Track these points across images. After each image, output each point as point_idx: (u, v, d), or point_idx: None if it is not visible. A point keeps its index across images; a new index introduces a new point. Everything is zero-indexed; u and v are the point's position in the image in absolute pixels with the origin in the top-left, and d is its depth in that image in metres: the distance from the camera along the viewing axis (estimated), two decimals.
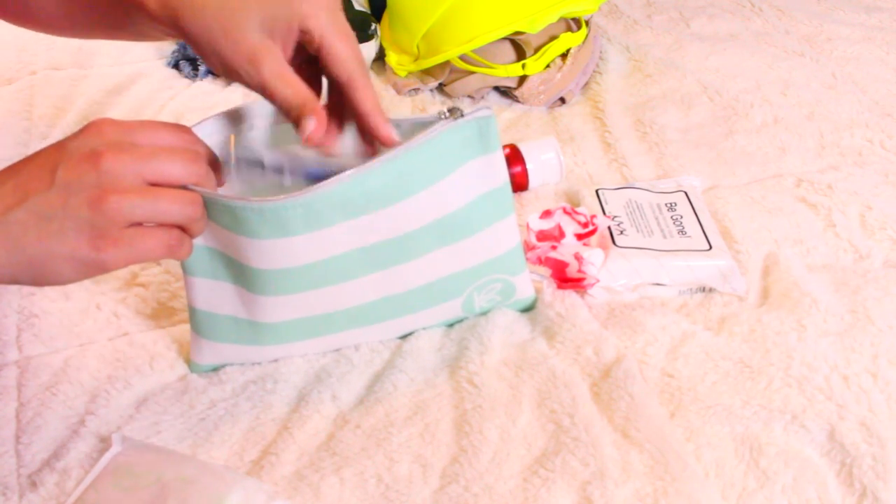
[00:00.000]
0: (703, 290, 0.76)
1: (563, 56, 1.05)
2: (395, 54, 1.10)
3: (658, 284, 0.76)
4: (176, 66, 1.12)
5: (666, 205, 0.83)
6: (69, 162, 0.53)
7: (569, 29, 1.06)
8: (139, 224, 0.54)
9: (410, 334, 0.72)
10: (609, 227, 0.80)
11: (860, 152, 0.95)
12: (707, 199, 0.87)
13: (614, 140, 0.97)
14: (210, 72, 1.11)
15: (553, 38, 1.04)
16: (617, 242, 0.78)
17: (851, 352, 0.69)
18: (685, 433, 0.64)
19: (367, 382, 0.69)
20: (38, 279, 0.54)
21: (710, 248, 0.78)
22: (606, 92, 1.06)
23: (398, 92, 1.07)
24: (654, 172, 0.92)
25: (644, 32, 1.19)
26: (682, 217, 0.82)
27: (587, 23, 1.09)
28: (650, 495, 0.59)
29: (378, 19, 1.14)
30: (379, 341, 0.72)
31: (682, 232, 0.80)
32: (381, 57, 1.12)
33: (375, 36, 1.11)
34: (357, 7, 1.10)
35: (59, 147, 0.55)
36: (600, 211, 0.83)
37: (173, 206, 0.55)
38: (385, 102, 1.06)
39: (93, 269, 0.54)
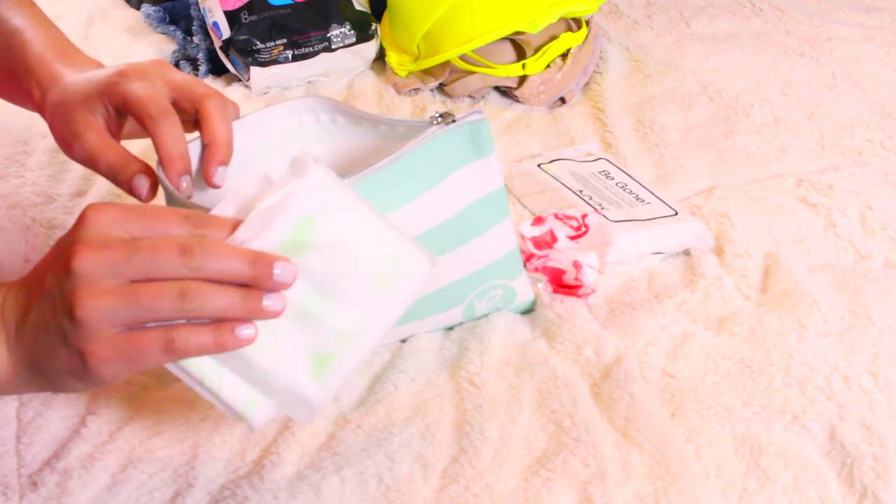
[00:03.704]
0: (681, 253, 0.81)
1: (564, 56, 1.05)
2: (395, 54, 1.10)
3: (658, 253, 0.79)
4: (176, 65, 1.12)
5: (601, 173, 0.86)
6: (54, 263, 0.49)
7: (569, 29, 1.06)
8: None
9: (411, 335, 0.72)
10: (601, 205, 0.83)
11: (860, 152, 0.95)
12: (707, 199, 0.87)
13: (615, 140, 0.97)
14: (210, 71, 1.11)
15: (553, 38, 1.04)
16: (610, 218, 0.81)
17: (852, 352, 0.69)
18: (685, 433, 0.64)
19: (368, 383, 0.69)
20: (60, 390, 0.52)
21: (676, 213, 0.82)
22: (607, 92, 1.06)
23: (398, 92, 1.07)
24: (654, 172, 0.93)
25: (644, 32, 1.19)
26: (626, 185, 0.86)
27: (587, 23, 1.09)
28: (650, 495, 0.59)
29: (378, 19, 1.14)
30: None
31: (640, 200, 0.83)
32: (381, 57, 1.12)
33: (375, 36, 1.11)
34: (357, 7, 1.10)
35: (59, 242, 0.50)
36: (552, 181, 0.86)
37: (160, 303, 0.48)
38: (385, 102, 1.06)
39: (93, 384, 0.50)
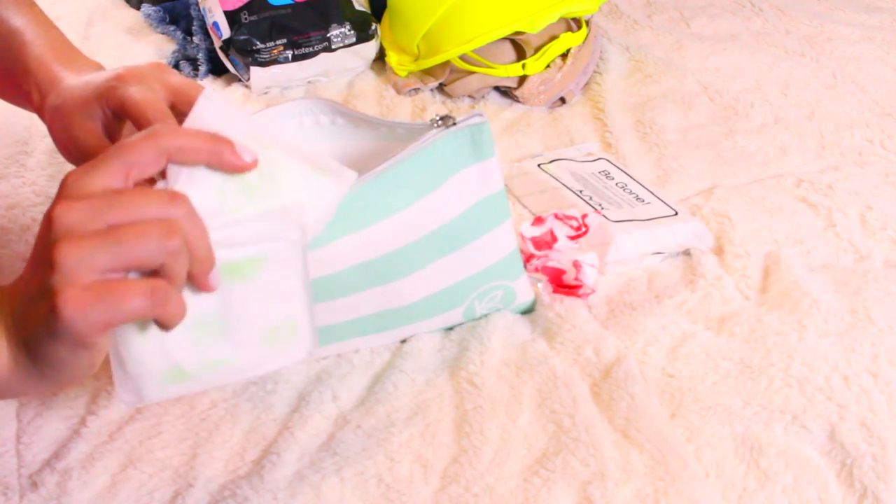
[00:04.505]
0: (681, 253, 0.81)
1: (564, 56, 1.05)
2: (395, 54, 1.10)
3: (658, 253, 0.80)
4: (176, 66, 1.13)
5: (601, 173, 0.87)
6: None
7: (569, 29, 1.06)
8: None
9: (411, 335, 0.72)
10: (601, 205, 0.83)
11: (860, 152, 0.95)
12: (707, 199, 0.87)
13: (615, 140, 0.97)
14: (210, 71, 1.11)
15: (553, 37, 1.04)
16: (610, 218, 0.81)
17: (852, 352, 0.69)
18: (685, 433, 0.64)
19: (368, 383, 0.69)
20: (60, 377, 0.49)
21: (676, 213, 0.82)
22: (607, 92, 1.06)
23: (398, 92, 1.07)
24: (654, 172, 0.93)
25: (644, 32, 1.19)
26: (626, 185, 0.86)
27: (587, 23, 1.09)
28: (650, 496, 0.59)
29: (378, 19, 1.14)
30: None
31: (640, 200, 0.84)
32: (381, 57, 1.12)
33: (375, 36, 1.11)
34: (357, 7, 1.10)
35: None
36: (552, 181, 0.87)
37: (146, 243, 0.45)
38: (385, 102, 1.06)
39: (70, 342, 0.45)
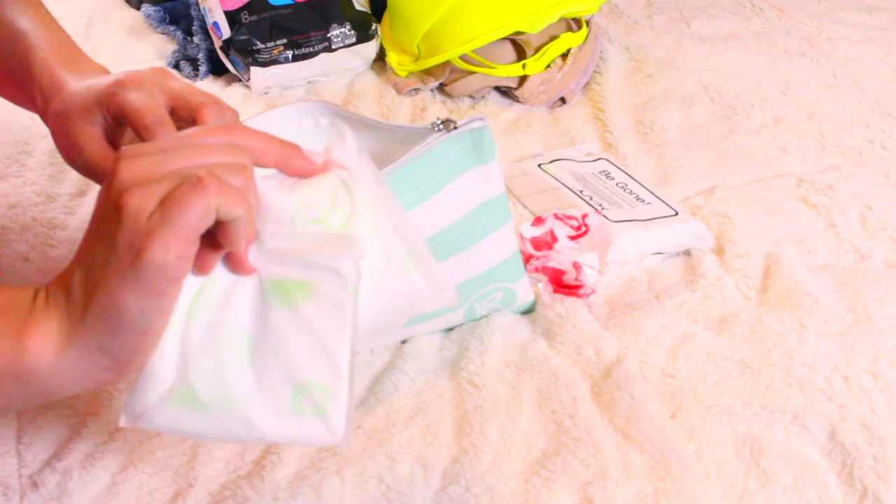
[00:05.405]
0: (681, 253, 0.81)
1: (564, 56, 1.05)
2: (395, 54, 1.10)
3: (658, 253, 0.80)
4: (176, 66, 1.13)
5: (601, 173, 0.87)
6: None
7: (569, 29, 1.06)
8: None
9: (411, 336, 0.72)
10: (601, 205, 0.83)
11: (861, 152, 0.95)
12: (707, 199, 0.87)
13: (615, 140, 0.97)
14: (210, 71, 1.11)
15: (553, 38, 1.04)
16: (610, 218, 0.81)
17: (852, 352, 0.69)
18: (686, 434, 0.64)
19: (368, 383, 0.69)
20: (124, 345, 0.46)
21: (676, 213, 0.82)
22: (607, 92, 1.06)
23: (399, 92, 1.07)
24: (654, 172, 0.93)
25: (644, 32, 1.19)
26: (626, 185, 0.86)
27: (588, 23, 1.09)
28: (651, 496, 0.59)
29: (378, 19, 1.14)
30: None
31: (640, 200, 0.84)
32: (381, 57, 1.12)
33: (376, 36, 1.11)
34: (357, 7, 1.10)
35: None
36: (553, 181, 0.87)
37: (211, 157, 0.45)
38: (386, 102, 1.06)
39: (149, 282, 0.44)
